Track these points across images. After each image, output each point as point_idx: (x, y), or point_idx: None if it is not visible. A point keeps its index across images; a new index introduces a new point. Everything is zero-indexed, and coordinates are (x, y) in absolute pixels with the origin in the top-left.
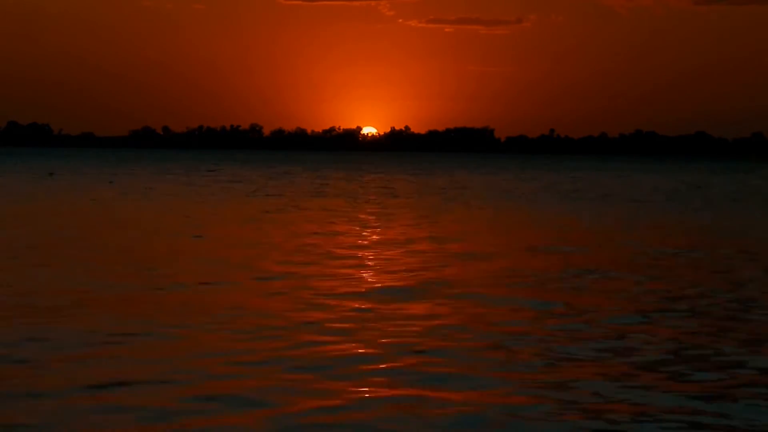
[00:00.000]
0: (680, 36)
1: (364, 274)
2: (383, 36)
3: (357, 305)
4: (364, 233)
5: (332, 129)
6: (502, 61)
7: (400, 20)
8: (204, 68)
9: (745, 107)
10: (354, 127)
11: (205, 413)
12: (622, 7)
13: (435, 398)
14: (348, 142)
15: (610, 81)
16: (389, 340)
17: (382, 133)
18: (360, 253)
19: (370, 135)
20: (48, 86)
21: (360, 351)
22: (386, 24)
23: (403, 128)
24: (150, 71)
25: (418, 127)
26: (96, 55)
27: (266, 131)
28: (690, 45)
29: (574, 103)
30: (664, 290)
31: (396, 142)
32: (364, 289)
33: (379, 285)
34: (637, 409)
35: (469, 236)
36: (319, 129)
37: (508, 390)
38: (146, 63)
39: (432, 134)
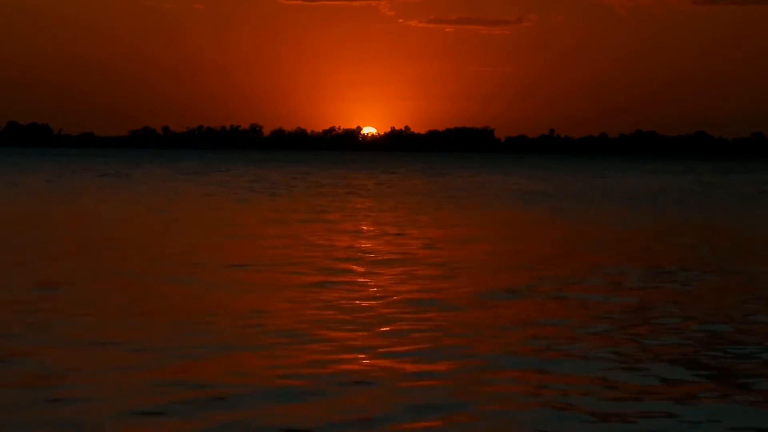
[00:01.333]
0: (680, 36)
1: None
2: (383, 36)
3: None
4: None
5: (332, 129)
6: (502, 61)
7: (400, 20)
8: (204, 68)
9: (745, 107)
10: (354, 127)
11: None
12: (622, 7)
13: None
14: (348, 142)
15: (610, 81)
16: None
17: (382, 133)
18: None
19: (370, 135)
20: (48, 86)
21: None
22: (386, 24)
23: (403, 128)
24: (150, 71)
25: (418, 127)
26: (96, 55)
27: (266, 131)
28: (690, 45)
29: (574, 103)
30: None
31: (396, 142)
32: None
33: None
34: None
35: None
36: (319, 129)
37: None
38: (146, 63)
39: (432, 134)
